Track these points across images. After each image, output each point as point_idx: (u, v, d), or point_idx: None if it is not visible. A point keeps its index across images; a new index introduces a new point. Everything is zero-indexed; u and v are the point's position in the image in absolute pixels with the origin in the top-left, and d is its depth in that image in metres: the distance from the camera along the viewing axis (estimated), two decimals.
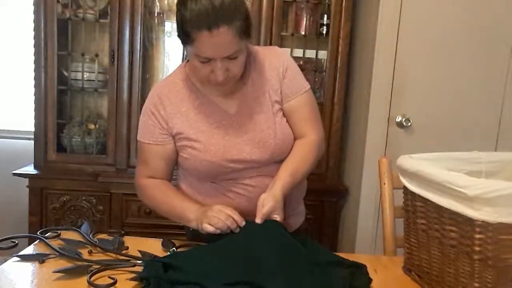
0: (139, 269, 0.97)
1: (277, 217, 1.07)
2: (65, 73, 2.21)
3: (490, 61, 1.94)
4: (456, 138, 1.94)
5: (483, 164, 1.09)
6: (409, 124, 1.94)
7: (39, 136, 2.17)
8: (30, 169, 2.17)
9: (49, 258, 1.02)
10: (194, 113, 1.19)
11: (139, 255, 1.05)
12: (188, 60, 1.23)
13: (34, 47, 2.12)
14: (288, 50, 2.18)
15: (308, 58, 2.21)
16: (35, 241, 1.11)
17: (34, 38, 2.11)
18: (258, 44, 2.11)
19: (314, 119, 1.25)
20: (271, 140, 1.18)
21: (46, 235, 1.14)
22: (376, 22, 1.92)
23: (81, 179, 2.15)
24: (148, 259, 1.02)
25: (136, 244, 1.12)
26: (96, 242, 1.10)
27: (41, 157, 2.18)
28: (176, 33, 1.09)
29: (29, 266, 0.99)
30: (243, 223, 1.05)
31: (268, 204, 1.06)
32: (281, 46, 2.16)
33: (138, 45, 2.13)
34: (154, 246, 1.12)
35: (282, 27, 2.18)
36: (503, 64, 1.94)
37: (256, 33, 2.12)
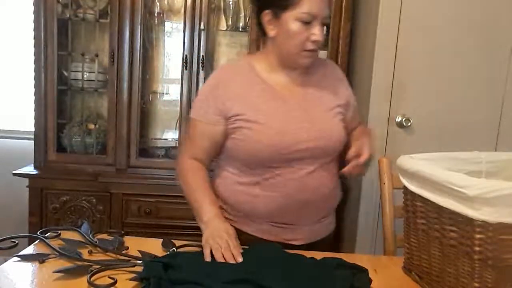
0: (139, 269, 0.97)
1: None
2: (65, 73, 2.21)
3: (490, 61, 1.94)
4: (456, 138, 1.94)
5: (483, 164, 1.10)
6: (409, 124, 1.94)
7: (39, 136, 2.17)
8: (30, 169, 2.17)
9: (49, 258, 1.02)
10: (255, 97, 1.22)
11: (139, 255, 1.05)
12: (249, 52, 1.35)
13: (34, 47, 2.12)
14: None
15: None
16: (35, 241, 1.11)
17: (34, 38, 2.11)
18: (258, 44, 2.11)
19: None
20: (327, 133, 1.23)
21: (46, 235, 1.14)
22: (376, 22, 1.92)
23: (81, 179, 2.15)
24: (148, 259, 1.03)
25: (136, 244, 1.12)
26: (96, 242, 1.10)
27: (41, 157, 2.18)
28: (270, 4, 1.18)
29: (29, 266, 1.00)
30: (239, 259, 1.04)
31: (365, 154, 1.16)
32: None
33: (138, 45, 2.13)
34: (154, 246, 1.12)
35: None
36: (503, 64, 1.94)
37: (255, 33, 2.11)
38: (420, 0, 1.91)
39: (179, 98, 2.18)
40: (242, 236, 1.21)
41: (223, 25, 2.32)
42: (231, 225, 1.21)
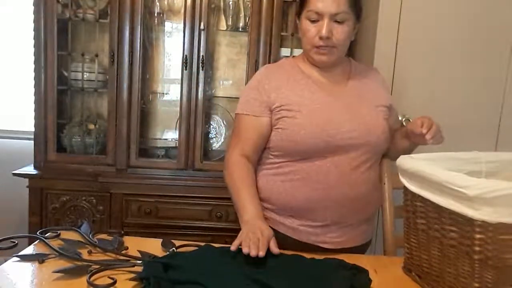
0: (139, 269, 0.97)
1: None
2: (65, 73, 2.21)
3: (490, 61, 1.94)
4: (456, 138, 1.93)
5: (483, 164, 1.09)
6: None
7: (39, 136, 2.17)
8: (30, 169, 2.17)
9: (49, 258, 1.02)
10: (299, 89, 1.27)
11: (139, 255, 1.05)
12: (293, 56, 1.40)
13: (34, 47, 2.12)
14: (288, 50, 2.18)
15: None
16: (35, 241, 1.11)
17: (34, 38, 2.11)
18: (258, 44, 2.12)
19: None
20: (371, 127, 1.25)
21: (46, 235, 1.14)
22: (376, 22, 1.92)
23: (81, 179, 2.15)
24: (148, 259, 1.02)
25: (135, 244, 1.12)
26: (95, 242, 1.10)
27: (41, 157, 2.18)
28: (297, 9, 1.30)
29: (29, 266, 0.99)
30: (261, 254, 1.02)
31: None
32: (281, 46, 2.17)
33: (138, 45, 2.13)
34: (154, 246, 1.12)
35: (282, 27, 2.18)
36: (503, 64, 1.94)
37: (256, 33, 2.12)
38: (420, 0, 1.91)
39: (179, 98, 2.18)
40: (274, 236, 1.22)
41: (223, 25, 2.32)
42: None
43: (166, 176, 2.18)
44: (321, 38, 1.21)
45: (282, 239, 1.23)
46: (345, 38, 1.24)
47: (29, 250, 1.08)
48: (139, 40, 2.12)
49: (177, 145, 2.21)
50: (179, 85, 2.17)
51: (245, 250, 1.00)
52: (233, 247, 1.04)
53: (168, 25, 2.32)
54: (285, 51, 2.18)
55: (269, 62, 2.09)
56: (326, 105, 1.25)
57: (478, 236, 0.78)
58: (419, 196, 0.97)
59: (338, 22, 1.21)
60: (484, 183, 0.77)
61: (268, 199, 1.28)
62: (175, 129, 2.32)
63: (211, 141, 2.36)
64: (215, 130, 2.38)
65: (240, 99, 1.33)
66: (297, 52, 2.19)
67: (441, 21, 1.91)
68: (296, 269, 1.01)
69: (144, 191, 2.16)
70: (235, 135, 1.32)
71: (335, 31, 1.21)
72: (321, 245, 1.25)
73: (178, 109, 2.20)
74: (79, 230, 1.17)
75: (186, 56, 2.13)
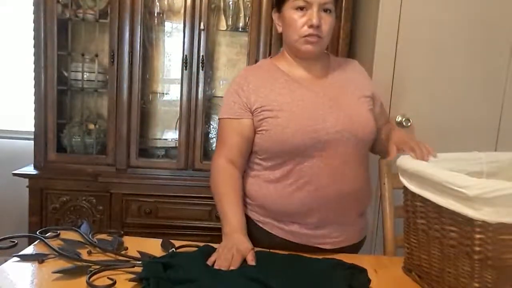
0: (139, 269, 0.97)
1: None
2: (65, 73, 2.21)
3: (490, 61, 1.94)
4: (456, 138, 1.94)
5: (484, 164, 1.09)
6: (409, 124, 1.93)
7: (39, 136, 2.17)
8: (30, 169, 2.17)
9: (49, 258, 1.02)
10: (279, 88, 1.26)
11: (139, 255, 1.05)
12: (271, 57, 1.40)
13: (34, 47, 2.12)
14: None
15: None
16: (35, 241, 1.11)
17: (34, 38, 2.11)
18: (258, 44, 2.11)
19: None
20: (356, 118, 1.24)
21: (46, 235, 1.14)
22: (376, 22, 1.92)
23: (81, 179, 2.15)
24: (147, 259, 1.02)
25: (135, 245, 1.12)
26: (95, 242, 1.10)
27: (41, 157, 2.18)
28: (275, 3, 1.28)
29: (28, 266, 1.00)
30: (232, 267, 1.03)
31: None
32: (280, 46, 2.16)
33: (138, 45, 2.13)
34: (154, 247, 1.12)
35: None
36: (503, 64, 1.94)
37: (256, 33, 2.12)
38: (420, 0, 1.91)
39: (179, 98, 2.18)
40: (270, 240, 1.24)
41: (223, 25, 2.32)
42: (262, 228, 1.26)
43: (166, 176, 2.18)
44: (311, 26, 1.20)
45: (281, 244, 1.24)
46: (330, 29, 1.24)
47: (29, 250, 1.08)
48: (139, 40, 2.12)
49: (177, 145, 2.21)
50: (179, 85, 2.17)
51: (216, 266, 1.01)
52: (209, 263, 1.03)
53: (168, 25, 2.32)
54: None
55: None
56: (308, 101, 1.23)
57: (478, 236, 0.78)
58: (419, 196, 0.97)
59: (325, 13, 1.21)
60: (485, 183, 0.77)
61: (263, 206, 1.27)
62: (175, 129, 2.32)
63: (211, 141, 2.36)
64: (215, 130, 2.38)
65: (222, 105, 1.32)
66: None
67: (441, 21, 1.91)
68: (296, 269, 1.01)
69: (144, 191, 2.16)
70: (219, 141, 1.32)
71: (322, 21, 1.21)
72: (321, 246, 1.25)
73: (178, 109, 2.20)
74: (79, 230, 1.17)
75: (186, 56, 2.13)
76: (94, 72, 2.21)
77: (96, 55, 2.19)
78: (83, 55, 2.17)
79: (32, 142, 2.18)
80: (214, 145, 2.33)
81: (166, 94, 2.42)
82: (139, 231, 2.06)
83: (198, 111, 2.17)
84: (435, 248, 0.95)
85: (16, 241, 1.05)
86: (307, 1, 1.19)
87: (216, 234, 2.11)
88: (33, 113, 2.16)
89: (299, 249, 1.21)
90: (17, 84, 2.61)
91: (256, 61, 2.11)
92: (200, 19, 2.11)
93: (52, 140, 2.18)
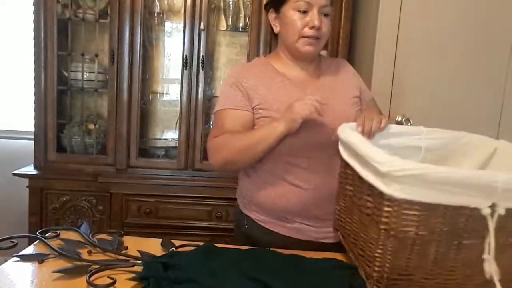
0: (139, 269, 0.97)
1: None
2: (65, 73, 2.21)
3: (490, 60, 1.94)
4: None
5: (423, 140, 1.15)
6: (409, 124, 1.93)
7: (39, 136, 2.17)
8: (30, 169, 2.17)
9: (49, 258, 1.02)
10: (275, 88, 1.27)
11: (139, 255, 1.05)
12: (265, 55, 1.39)
13: (34, 47, 2.12)
14: None
15: None
16: (35, 241, 1.11)
17: (34, 38, 2.11)
18: (258, 44, 2.12)
19: None
20: (346, 119, 1.21)
21: (46, 235, 1.14)
22: (376, 22, 1.92)
23: (81, 179, 2.15)
24: (147, 259, 1.02)
25: (135, 244, 1.12)
26: (95, 242, 1.10)
27: (41, 157, 2.18)
28: (272, 2, 1.28)
29: (28, 266, 0.99)
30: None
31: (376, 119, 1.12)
32: None
33: (138, 45, 2.13)
34: (154, 246, 1.12)
35: None
36: (503, 64, 1.94)
37: (256, 33, 2.12)
38: (420, 0, 1.91)
39: (179, 98, 2.18)
40: (274, 238, 1.24)
41: (223, 25, 2.32)
42: (263, 226, 1.26)
43: (166, 176, 2.18)
44: (312, 27, 1.21)
45: (283, 240, 1.24)
46: (328, 32, 1.26)
47: (29, 250, 1.07)
48: (139, 40, 2.12)
49: (177, 145, 2.21)
50: (179, 85, 2.17)
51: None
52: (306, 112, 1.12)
53: (168, 25, 2.32)
54: None
55: None
56: None
57: (386, 208, 0.85)
58: (349, 165, 1.02)
59: (324, 15, 1.23)
60: (396, 162, 0.82)
61: (263, 206, 1.28)
62: (175, 129, 2.32)
63: None
64: None
65: (221, 96, 1.30)
66: None
67: (441, 21, 1.91)
68: (296, 268, 1.02)
69: (144, 191, 2.16)
70: (218, 127, 1.25)
71: (322, 23, 1.22)
72: (323, 240, 1.26)
73: (178, 109, 2.20)
74: (79, 230, 1.17)
75: (186, 56, 2.13)
76: (94, 72, 2.21)
77: (96, 55, 2.19)
78: (83, 55, 2.17)
79: (32, 142, 2.19)
80: None
81: (166, 94, 2.42)
82: (139, 231, 2.06)
83: (198, 111, 2.17)
84: (356, 214, 1.01)
85: (16, 241, 1.05)
86: (309, 3, 1.21)
87: (216, 234, 2.14)
88: (33, 113, 2.16)
89: (301, 245, 1.22)
90: (17, 84, 2.61)
91: None
92: (200, 19, 2.11)
93: (52, 140, 2.18)
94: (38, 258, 1.01)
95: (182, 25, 2.13)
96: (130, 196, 2.16)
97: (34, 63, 2.12)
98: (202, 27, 2.11)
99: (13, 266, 0.99)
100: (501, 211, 0.82)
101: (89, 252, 1.06)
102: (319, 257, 1.10)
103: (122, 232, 1.19)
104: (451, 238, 0.85)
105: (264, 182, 1.27)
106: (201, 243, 1.14)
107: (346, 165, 1.05)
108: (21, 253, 1.04)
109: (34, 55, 2.12)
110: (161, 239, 1.16)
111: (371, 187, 0.90)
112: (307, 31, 1.22)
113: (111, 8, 2.11)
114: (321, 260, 1.08)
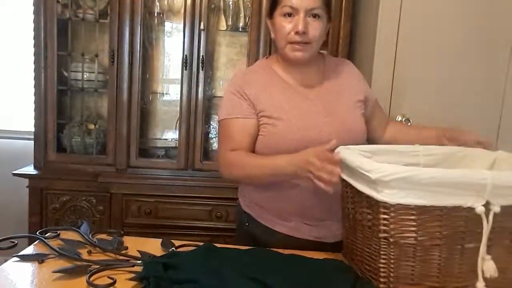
0: (139, 269, 0.97)
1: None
2: (65, 73, 2.21)
3: (490, 61, 1.94)
4: None
5: (421, 157, 1.15)
6: (409, 124, 1.94)
7: (39, 136, 2.17)
8: (30, 169, 2.17)
9: (49, 258, 1.02)
10: (276, 94, 1.26)
11: (139, 255, 1.05)
12: (267, 57, 1.38)
13: (34, 47, 2.12)
14: None
15: None
16: (35, 241, 1.11)
17: (34, 38, 2.11)
18: (258, 44, 2.12)
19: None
20: (349, 126, 1.25)
21: (46, 235, 1.14)
22: (376, 22, 1.92)
23: (81, 179, 2.15)
24: (148, 259, 1.02)
25: (135, 244, 1.12)
26: (95, 242, 1.10)
27: (41, 157, 2.18)
28: (266, 9, 1.29)
29: (28, 266, 0.99)
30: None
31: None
32: None
33: (138, 45, 2.13)
34: (154, 246, 1.12)
35: None
36: (503, 64, 1.94)
37: (256, 33, 2.12)
38: (420, 0, 1.91)
39: (179, 98, 2.18)
40: (275, 236, 1.25)
41: (223, 25, 2.32)
42: (264, 225, 1.27)
43: (166, 176, 2.18)
44: (297, 33, 1.19)
45: (284, 239, 1.25)
46: (320, 35, 1.23)
47: (29, 250, 1.07)
48: (139, 40, 2.12)
49: (177, 145, 2.21)
50: (179, 85, 2.17)
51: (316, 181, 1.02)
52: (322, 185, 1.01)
53: (168, 25, 2.32)
54: None
55: None
56: (305, 111, 1.24)
57: (382, 216, 0.85)
58: (347, 182, 1.01)
59: (313, 18, 1.20)
60: (384, 167, 0.83)
61: (263, 205, 1.29)
62: (175, 129, 2.32)
63: (211, 141, 2.36)
64: (215, 130, 2.38)
65: (224, 104, 1.29)
66: None
67: (441, 21, 1.91)
68: (296, 269, 1.01)
69: (144, 191, 2.16)
70: (227, 138, 1.26)
71: (310, 27, 1.19)
72: (323, 240, 1.26)
73: (178, 109, 2.20)
74: (79, 230, 1.17)
75: (186, 56, 2.13)
76: (94, 72, 2.21)
77: (96, 55, 2.19)
78: (83, 55, 2.17)
79: (32, 142, 2.19)
80: (214, 145, 2.33)
81: (166, 94, 2.42)
82: (139, 231, 2.06)
83: (198, 111, 2.17)
84: (359, 231, 1.01)
85: (16, 241, 1.05)
86: (293, 8, 1.19)
87: (216, 234, 2.13)
88: (33, 113, 2.16)
89: (302, 245, 1.22)
90: (17, 84, 2.61)
91: (256, 60, 2.11)
92: (200, 19, 2.11)
93: (52, 140, 2.18)
94: (38, 258, 1.01)
95: (182, 25, 2.13)
96: (130, 196, 2.16)
97: (34, 63, 2.12)
98: (202, 27, 2.11)
99: (13, 266, 0.99)
100: (496, 209, 0.82)
101: (89, 252, 1.06)
102: (320, 257, 1.10)
103: (122, 232, 1.19)
104: (452, 243, 0.85)
105: (265, 186, 1.27)
106: (201, 243, 1.14)
107: (346, 185, 1.04)
108: (21, 253, 1.04)
109: (34, 55, 2.12)
110: (161, 239, 1.16)
111: (368, 198, 0.90)
112: (293, 37, 1.20)
113: (111, 8, 2.11)
114: (322, 260, 1.08)
